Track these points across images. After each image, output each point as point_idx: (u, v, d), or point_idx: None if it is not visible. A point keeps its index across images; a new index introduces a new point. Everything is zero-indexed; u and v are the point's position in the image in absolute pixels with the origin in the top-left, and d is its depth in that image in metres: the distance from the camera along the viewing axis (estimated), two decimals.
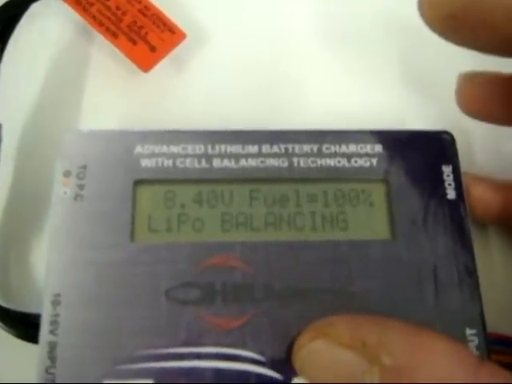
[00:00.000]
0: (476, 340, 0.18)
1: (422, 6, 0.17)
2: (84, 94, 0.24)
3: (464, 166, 0.21)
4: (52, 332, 0.18)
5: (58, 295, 0.18)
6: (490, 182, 0.22)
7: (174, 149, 0.20)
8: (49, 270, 0.19)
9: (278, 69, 0.25)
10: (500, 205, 0.21)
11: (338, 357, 0.16)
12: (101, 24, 0.24)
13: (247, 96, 0.24)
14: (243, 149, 0.20)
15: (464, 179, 0.21)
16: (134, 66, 0.23)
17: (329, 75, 0.25)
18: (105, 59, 0.25)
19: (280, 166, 0.20)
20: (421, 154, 0.20)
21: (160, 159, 0.20)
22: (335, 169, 0.20)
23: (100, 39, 0.24)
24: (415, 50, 0.24)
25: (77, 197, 0.19)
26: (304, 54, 0.25)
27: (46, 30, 0.25)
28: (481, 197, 0.21)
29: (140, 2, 0.24)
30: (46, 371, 0.17)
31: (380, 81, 0.24)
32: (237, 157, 0.20)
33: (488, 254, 0.22)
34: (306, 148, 0.20)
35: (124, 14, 0.24)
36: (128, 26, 0.24)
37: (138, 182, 0.20)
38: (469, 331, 0.18)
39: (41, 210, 0.22)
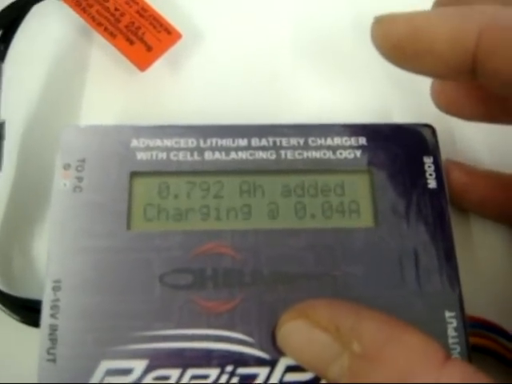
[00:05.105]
0: (455, 322, 0.19)
1: (374, 39, 0.18)
2: (83, 92, 0.25)
3: (446, 157, 0.22)
4: (53, 316, 0.19)
5: (59, 281, 0.19)
6: (470, 169, 0.23)
7: (168, 142, 0.21)
8: (50, 257, 0.20)
9: (270, 68, 0.26)
10: (480, 192, 0.22)
11: (313, 338, 0.17)
12: (100, 24, 0.25)
13: (240, 94, 0.25)
14: (233, 142, 0.21)
15: (445, 164, 0.22)
16: (131, 65, 0.24)
17: (319, 74, 0.26)
18: (103, 58, 0.26)
19: (268, 159, 0.21)
20: (403, 146, 0.21)
21: (155, 152, 0.21)
22: (321, 160, 0.21)
23: (99, 39, 0.25)
24: None
25: (76, 188, 0.20)
26: (296, 52, 0.26)
27: (47, 30, 0.26)
28: (459, 181, 0.22)
29: (138, 4, 0.25)
30: (48, 352, 0.19)
31: (366, 77, 0.25)
32: (227, 150, 0.21)
33: (468, 239, 0.23)
34: (293, 141, 0.21)
35: (122, 14, 0.25)
36: (126, 27, 0.25)
37: (134, 174, 0.21)
38: (448, 314, 0.19)
39: (42, 201, 0.23)
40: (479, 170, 0.23)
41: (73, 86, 0.25)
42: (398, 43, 0.18)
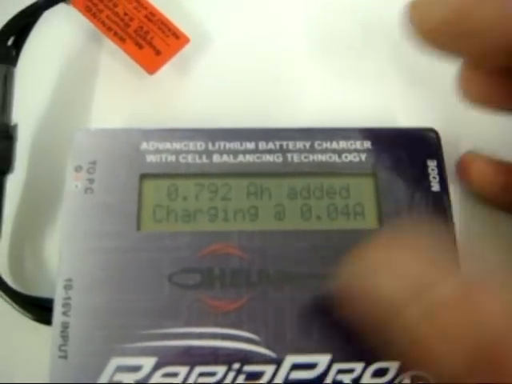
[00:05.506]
0: None
1: (411, 23, 0.18)
2: (94, 95, 0.26)
3: (450, 160, 0.22)
4: (64, 313, 0.19)
5: (70, 280, 0.20)
6: (491, 160, 0.22)
7: (177, 145, 0.22)
8: (61, 257, 0.20)
9: (277, 71, 0.26)
10: (502, 183, 0.22)
11: None
12: (109, 29, 0.25)
13: (247, 98, 0.25)
14: (241, 145, 0.22)
15: (465, 157, 0.22)
16: (140, 69, 0.25)
17: (326, 79, 0.26)
18: (113, 62, 0.26)
19: (275, 162, 0.22)
20: (407, 150, 0.22)
21: (164, 155, 0.22)
22: (327, 164, 0.22)
23: (109, 43, 0.25)
24: (406, 52, 0.25)
25: (87, 190, 0.21)
26: (302, 56, 0.27)
27: (58, 35, 0.26)
28: (483, 172, 0.22)
29: (146, 9, 0.26)
30: (59, 349, 0.19)
31: (370, 82, 0.25)
32: (235, 153, 0.22)
33: (471, 240, 0.23)
34: (300, 144, 0.22)
35: (131, 19, 0.25)
36: (135, 31, 0.25)
37: (143, 176, 0.21)
38: None
39: (54, 202, 0.23)
40: (498, 160, 0.23)
41: (83, 90, 0.26)
42: (439, 26, 0.17)
